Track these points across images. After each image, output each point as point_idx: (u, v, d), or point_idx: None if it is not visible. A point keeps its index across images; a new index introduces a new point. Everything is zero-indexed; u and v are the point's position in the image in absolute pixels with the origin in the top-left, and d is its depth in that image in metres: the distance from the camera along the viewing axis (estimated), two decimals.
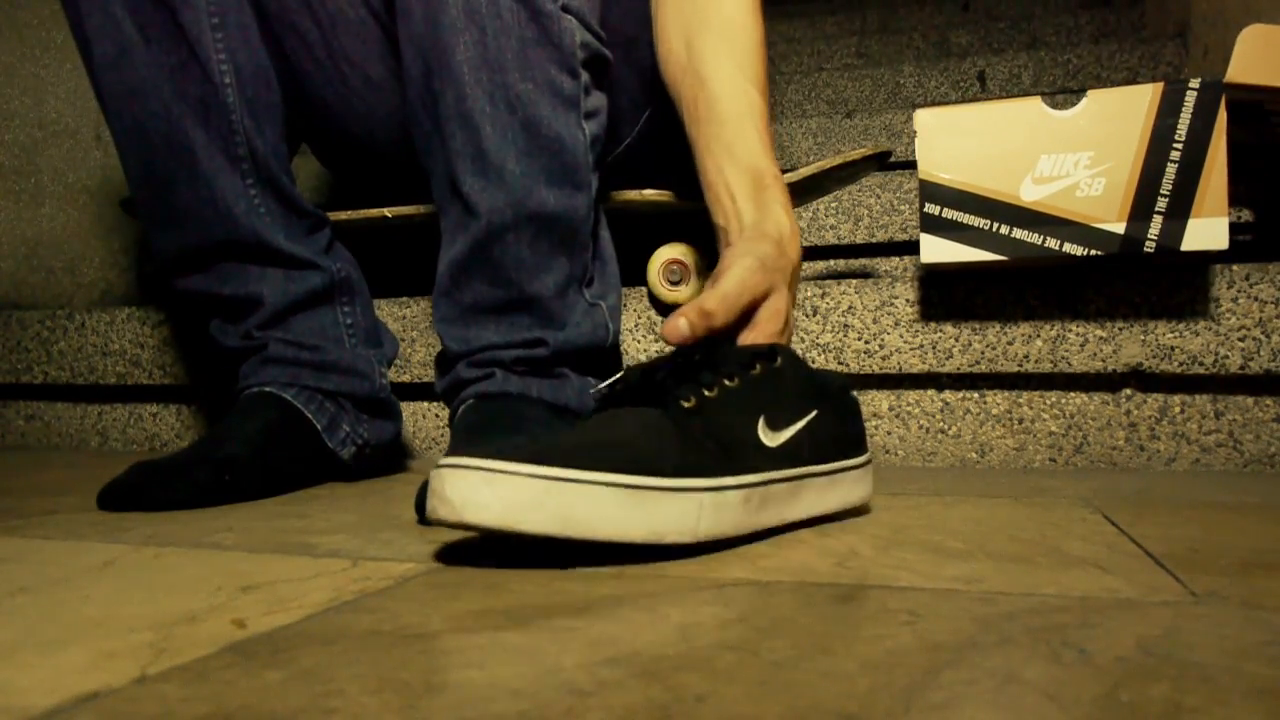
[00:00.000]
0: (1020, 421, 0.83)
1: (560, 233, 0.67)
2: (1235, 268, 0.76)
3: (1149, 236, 0.72)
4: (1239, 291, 0.76)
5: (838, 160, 0.85)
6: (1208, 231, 0.71)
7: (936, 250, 0.76)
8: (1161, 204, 0.72)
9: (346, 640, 0.33)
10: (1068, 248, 0.74)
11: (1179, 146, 0.71)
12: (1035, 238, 0.74)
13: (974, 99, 1.59)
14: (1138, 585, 0.40)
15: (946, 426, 0.84)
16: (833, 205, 1.27)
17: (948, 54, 2.04)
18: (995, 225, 0.75)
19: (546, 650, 0.32)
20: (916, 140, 0.77)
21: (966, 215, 0.76)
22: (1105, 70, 1.67)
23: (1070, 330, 0.79)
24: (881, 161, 0.88)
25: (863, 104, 1.81)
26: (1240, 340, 0.76)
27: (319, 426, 0.76)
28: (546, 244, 0.67)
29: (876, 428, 0.86)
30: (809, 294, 0.86)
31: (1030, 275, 0.80)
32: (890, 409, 0.86)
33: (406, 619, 0.36)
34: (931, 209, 0.77)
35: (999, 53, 1.85)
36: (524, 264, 0.67)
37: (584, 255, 0.70)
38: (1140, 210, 0.72)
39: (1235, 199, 0.98)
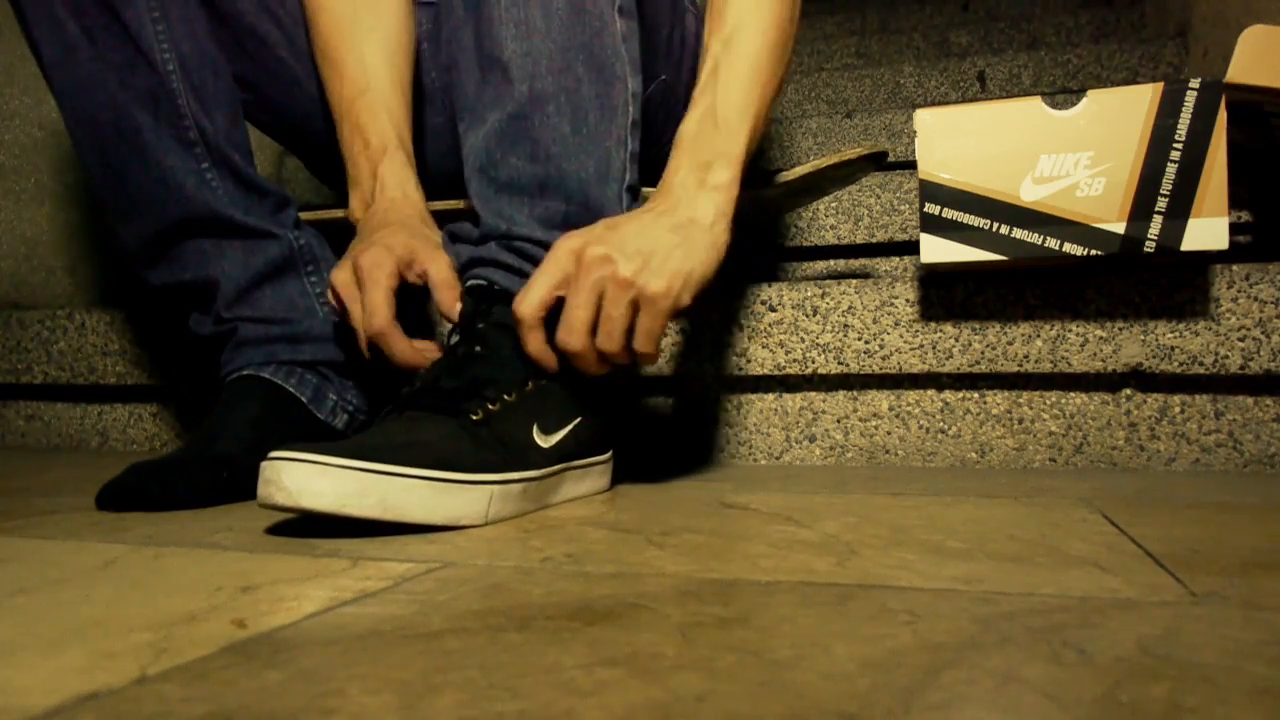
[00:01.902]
0: (1020, 421, 0.83)
1: (599, 116, 0.66)
2: (1235, 268, 0.76)
3: (1149, 236, 0.72)
4: (1239, 291, 0.76)
5: (833, 159, 0.85)
6: (1208, 231, 0.71)
7: (936, 250, 0.76)
8: (1161, 204, 0.72)
9: (346, 640, 0.33)
10: (1068, 248, 0.74)
11: (1179, 147, 0.71)
12: (1035, 238, 0.74)
13: (974, 99, 1.59)
14: (1138, 585, 0.40)
15: (946, 426, 0.84)
16: (833, 205, 1.27)
17: (948, 54, 2.04)
18: (995, 225, 0.75)
19: (546, 650, 0.32)
20: (916, 140, 0.77)
21: (966, 215, 0.76)
22: (1105, 70, 1.67)
23: (1070, 330, 0.79)
24: (878, 162, 0.88)
25: (863, 104, 1.81)
26: (1240, 340, 0.76)
27: (303, 399, 0.77)
28: (586, 127, 0.65)
29: (876, 428, 0.86)
30: (809, 294, 0.86)
31: (1030, 275, 0.80)
32: (890, 409, 0.86)
33: (406, 619, 0.36)
34: (931, 209, 0.77)
35: (999, 53, 1.84)
36: (564, 140, 0.65)
37: (623, 152, 0.68)
38: (1140, 210, 0.72)
39: (1235, 200, 0.98)
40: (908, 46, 2.08)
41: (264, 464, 0.52)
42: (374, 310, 0.66)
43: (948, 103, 0.78)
